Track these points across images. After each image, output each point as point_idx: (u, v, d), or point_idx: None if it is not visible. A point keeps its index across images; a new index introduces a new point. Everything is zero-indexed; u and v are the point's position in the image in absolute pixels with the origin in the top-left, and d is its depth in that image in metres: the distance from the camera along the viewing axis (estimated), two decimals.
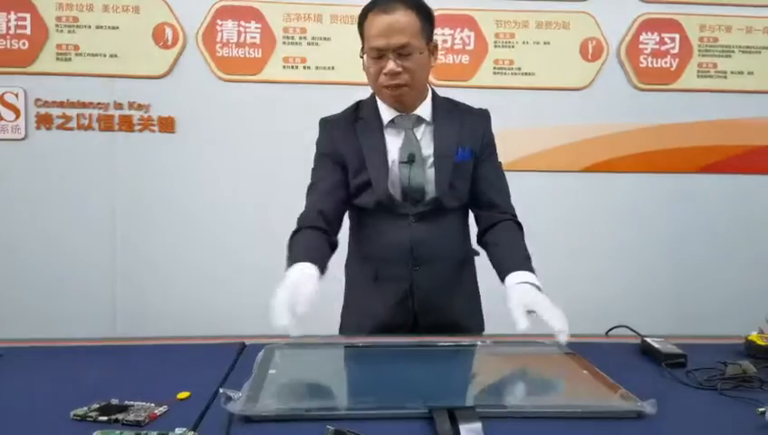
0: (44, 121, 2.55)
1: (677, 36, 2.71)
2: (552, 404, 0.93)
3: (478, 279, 1.53)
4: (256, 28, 2.59)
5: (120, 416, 0.83)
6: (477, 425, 0.78)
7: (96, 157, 2.58)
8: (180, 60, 2.57)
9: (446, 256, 1.41)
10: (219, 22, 2.58)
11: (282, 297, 1.06)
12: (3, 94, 2.52)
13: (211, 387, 0.92)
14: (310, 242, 1.29)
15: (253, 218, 2.59)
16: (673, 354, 1.12)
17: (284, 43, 2.61)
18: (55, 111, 2.55)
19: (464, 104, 1.48)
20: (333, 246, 1.35)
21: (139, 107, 2.57)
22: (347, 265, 1.52)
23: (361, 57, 1.36)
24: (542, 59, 2.67)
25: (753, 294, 2.59)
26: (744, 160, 2.76)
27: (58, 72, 2.54)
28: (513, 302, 1.18)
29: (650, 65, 2.70)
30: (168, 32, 2.56)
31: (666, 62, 2.71)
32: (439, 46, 2.61)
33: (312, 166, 1.44)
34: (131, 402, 0.88)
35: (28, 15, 2.51)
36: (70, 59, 2.54)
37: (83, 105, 2.55)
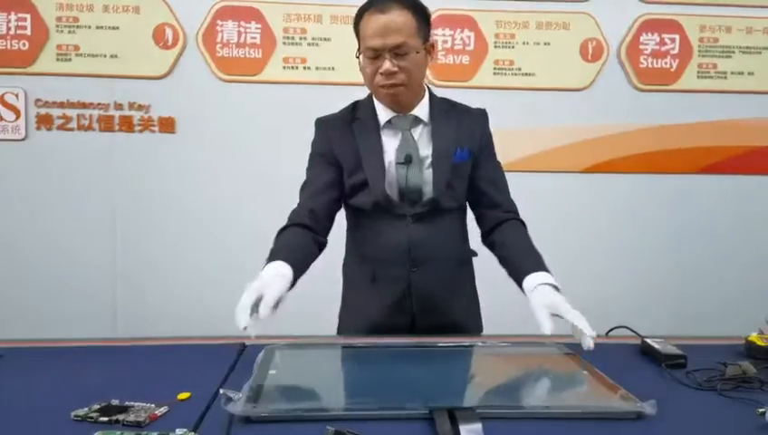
0: (45, 122, 2.55)
1: (677, 37, 2.71)
2: (552, 405, 0.93)
3: (477, 280, 1.52)
4: (256, 28, 2.59)
5: (120, 417, 0.83)
6: (477, 425, 0.78)
7: (96, 157, 2.58)
8: (180, 60, 2.57)
9: (444, 257, 1.41)
10: (219, 22, 2.58)
11: (245, 300, 1.06)
12: (3, 95, 2.52)
13: (211, 388, 0.91)
14: (294, 239, 1.29)
15: (253, 219, 2.57)
16: (673, 355, 1.12)
17: (284, 43, 2.61)
18: (55, 112, 2.55)
19: (461, 104, 1.48)
20: (321, 246, 1.34)
21: (140, 107, 2.57)
22: (344, 266, 1.52)
23: (357, 57, 1.35)
24: (542, 59, 2.67)
25: (753, 294, 2.59)
26: (745, 161, 2.76)
27: (58, 73, 2.54)
28: (536, 305, 1.18)
29: (650, 66, 2.70)
30: (169, 32, 2.56)
31: (666, 63, 2.71)
32: (440, 47, 2.64)
33: (307, 165, 1.44)
34: (132, 403, 0.88)
35: (28, 16, 2.52)
36: (70, 59, 2.54)
37: (83, 106, 2.55)
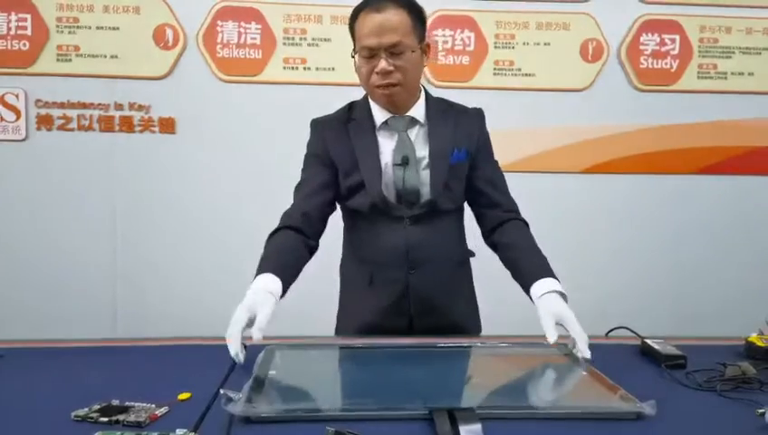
0: (45, 122, 2.55)
1: (678, 37, 2.71)
2: (552, 405, 0.94)
3: (475, 280, 1.52)
4: (257, 29, 2.60)
5: (120, 417, 0.83)
6: (477, 426, 0.78)
7: (96, 157, 2.58)
8: (181, 61, 2.57)
9: (441, 259, 1.40)
10: (219, 23, 2.58)
11: (235, 326, 1.06)
12: (3, 95, 2.52)
13: (212, 388, 0.92)
14: (285, 244, 1.28)
15: (253, 219, 2.55)
16: (673, 356, 1.12)
17: (285, 44, 2.61)
18: (56, 112, 2.55)
19: (458, 104, 1.47)
20: (312, 250, 1.33)
21: (140, 108, 2.57)
22: (342, 268, 1.52)
23: (353, 57, 1.35)
24: (542, 60, 2.67)
25: (752, 294, 2.60)
26: (744, 161, 2.76)
27: (58, 73, 2.54)
28: (544, 313, 1.19)
29: (650, 66, 2.71)
30: (169, 33, 2.56)
31: (666, 63, 2.71)
32: (440, 47, 2.65)
33: (302, 166, 1.44)
34: (132, 403, 0.88)
35: (29, 16, 2.52)
36: (70, 60, 2.55)
37: (84, 106, 2.56)
